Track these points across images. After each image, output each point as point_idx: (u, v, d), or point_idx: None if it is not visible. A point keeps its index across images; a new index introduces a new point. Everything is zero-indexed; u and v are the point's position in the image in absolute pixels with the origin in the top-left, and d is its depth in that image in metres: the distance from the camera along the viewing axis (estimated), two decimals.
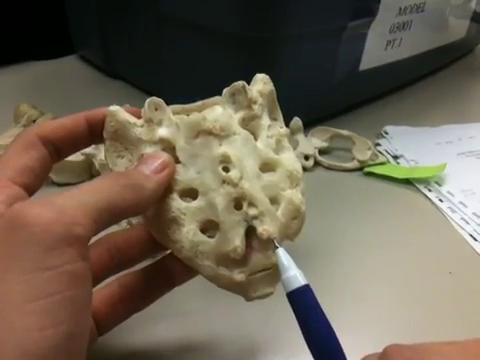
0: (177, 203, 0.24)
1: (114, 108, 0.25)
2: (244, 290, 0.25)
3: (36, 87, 0.62)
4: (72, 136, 0.24)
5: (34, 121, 0.46)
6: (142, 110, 0.26)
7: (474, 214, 0.41)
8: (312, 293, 0.23)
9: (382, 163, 0.48)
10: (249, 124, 0.27)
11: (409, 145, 0.51)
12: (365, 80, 0.55)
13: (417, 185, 0.45)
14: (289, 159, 0.27)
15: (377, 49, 0.54)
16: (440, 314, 0.32)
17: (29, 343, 0.17)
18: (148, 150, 0.25)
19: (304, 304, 0.23)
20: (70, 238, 0.18)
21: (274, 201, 0.26)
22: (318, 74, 0.50)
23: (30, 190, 0.23)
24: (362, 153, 0.48)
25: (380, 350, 0.29)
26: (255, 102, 0.27)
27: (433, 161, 0.47)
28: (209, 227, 0.25)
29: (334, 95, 0.52)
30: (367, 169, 0.47)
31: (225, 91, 0.27)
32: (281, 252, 0.24)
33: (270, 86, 0.28)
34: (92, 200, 0.20)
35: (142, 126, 0.26)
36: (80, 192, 0.20)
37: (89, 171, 0.44)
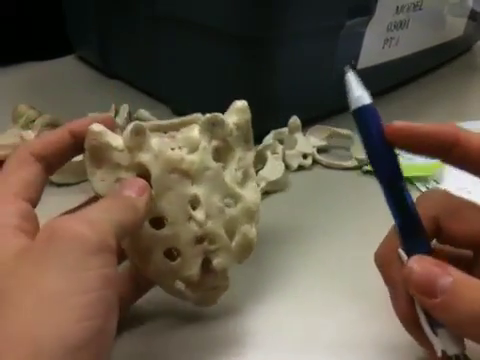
0: (147, 229, 0.27)
1: (97, 128, 0.27)
2: (194, 302, 0.29)
3: (34, 87, 0.62)
4: (60, 151, 0.27)
5: (33, 121, 0.46)
6: (124, 133, 0.27)
7: None
8: (375, 111, 0.26)
9: None
10: (221, 153, 0.29)
11: None
12: (363, 79, 0.55)
13: (415, 183, 0.45)
14: (250, 193, 0.30)
15: (375, 48, 0.54)
16: None
17: (67, 334, 0.18)
18: (124, 175, 0.27)
19: (366, 120, 0.26)
20: (106, 246, 0.21)
21: (231, 233, 0.29)
22: (316, 73, 0.50)
23: (33, 203, 0.25)
24: (361, 152, 0.47)
25: (378, 348, 0.29)
26: (230, 135, 0.29)
27: (432, 159, 0.47)
28: (172, 250, 0.28)
29: (332, 94, 0.52)
30: (366, 167, 0.47)
31: (204, 119, 0.28)
32: (350, 75, 0.26)
33: (247, 116, 0.30)
34: (111, 218, 0.22)
35: (122, 151, 0.27)
36: (99, 211, 0.23)
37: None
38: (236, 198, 0.29)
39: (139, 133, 0.26)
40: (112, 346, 0.21)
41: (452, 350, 0.23)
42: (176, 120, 0.30)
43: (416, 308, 0.24)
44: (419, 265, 0.23)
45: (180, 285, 0.28)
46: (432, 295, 0.22)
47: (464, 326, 0.21)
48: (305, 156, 0.47)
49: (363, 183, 0.46)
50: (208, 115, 0.28)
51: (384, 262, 0.26)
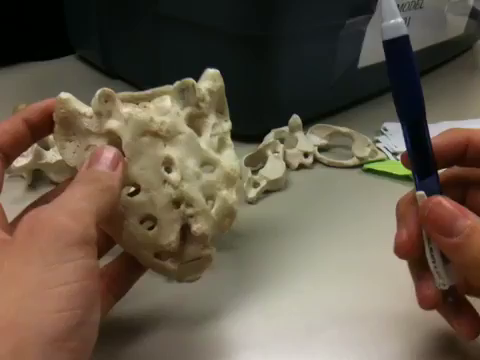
0: (121, 198, 0.26)
1: (65, 96, 0.27)
2: (176, 275, 0.28)
3: (35, 87, 0.62)
4: (15, 140, 0.26)
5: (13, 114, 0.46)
6: (92, 100, 0.27)
7: None
8: (409, 44, 0.25)
9: (381, 160, 0.48)
10: (195, 121, 0.28)
11: None
12: (364, 77, 0.55)
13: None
14: (228, 159, 0.29)
15: (375, 46, 0.54)
16: None
17: (47, 325, 0.18)
18: (95, 141, 0.26)
19: (399, 53, 0.25)
20: (89, 238, 0.21)
21: (210, 198, 0.28)
22: (317, 72, 0.50)
23: None
24: (361, 150, 0.48)
25: (380, 347, 0.29)
26: (203, 100, 0.28)
27: None
28: (148, 219, 0.27)
29: (333, 92, 0.52)
30: (366, 166, 0.47)
31: (175, 85, 0.28)
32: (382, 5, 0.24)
33: (220, 83, 0.30)
34: (91, 207, 0.22)
35: (91, 117, 0.26)
36: (78, 200, 0.22)
37: None
38: (213, 163, 0.28)
39: (108, 99, 0.26)
40: (95, 339, 0.21)
41: (451, 281, 0.25)
42: (148, 91, 0.29)
43: (424, 242, 0.25)
44: (440, 205, 0.23)
45: (160, 258, 0.27)
46: (449, 235, 0.23)
47: (474, 269, 0.22)
48: (306, 155, 0.47)
49: (364, 182, 0.46)
50: (178, 82, 0.28)
51: (402, 203, 0.27)
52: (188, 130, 0.27)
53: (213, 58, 0.49)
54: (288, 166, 0.46)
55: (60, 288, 0.19)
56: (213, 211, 0.28)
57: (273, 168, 0.44)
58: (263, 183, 0.42)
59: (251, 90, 0.47)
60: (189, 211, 0.26)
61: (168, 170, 0.26)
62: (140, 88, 0.60)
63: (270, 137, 0.47)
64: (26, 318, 0.18)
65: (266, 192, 0.43)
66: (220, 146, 0.29)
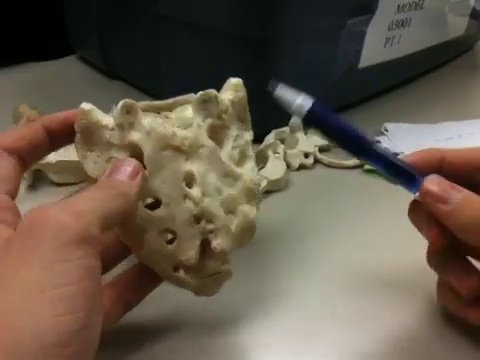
0: (141, 211, 0.26)
1: (87, 107, 0.26)
2: (194, 289, 0.28)
3: (35, 88, 0.62)
4: (33, 145, 0.26)
5: (33, 121, 0.46)
6: (114, 111, 0.26)
7: None
8: (321, 105, 0.27)
9: None
10: (217, 132, 0.28)
11: (409, 142, 0.51)
12: (364, 78, 0.55)
13: None
14: (249, 172, 0.29)
15: (376, 47, 0.54)
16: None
17: (45, 329, 0.18)
18: (116, 154, 0.26)
19: (321, 116, 0.26)
20: (88, 237, 0.20)
21: (230, 212, 0.27)
22: (317, 72, 0.50)
23: (12, 196, 0.24)
24: None
25: (378, 350, 0.29)
26: (225, 112, 0.28)
27: None
28: (168, 232, 0.27)
29: (333, 93, 0.52)
30: (367, 166, 0.47)
31: (197, 96, 0.27)
32: (279, 90, 0.26)
33: (242, 93, 0.29)
34: (97, 208, 0.21)
35: (113, 129, 0.26)
36: (85, 200, 0.22)
37: None
38: (234, 177, 0.28)
39: (130, 111, 0.26)
40: (97, 343, 0.20)
41: None
42: (169, 100, 0.29)
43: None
44: (436, 182, 0.26)
45: (179, 272, 0.27)
46: (445, 202, 0.25)
47: (469, 230, 0.25)
48: (306, 155, 0.47)
49: (364, 182, 0.46)
50: (201, 92, 0.27)
51: (411, 214, 0.29)
52: (210, 143, 0.27)
53: (213, 58, 0.49)
54: (289, 166, 0.46)
55: (57, 290, 0.18)
56: (233, 226, 0.27)
57: (274, 168, 0.44)
58: (264, 183, 0.42)
59: (251, 90, 0.47)
60: (209, 227, 0.26)
61: (189, 185, 0.26)
62: (140, 88, 0.61)
63: (271, 137, 0.47)
64: (23, 321, 0.18)
65: (267, 192, 0.43)
66: (241, 158, 0.29)
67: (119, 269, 0.29)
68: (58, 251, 0.19)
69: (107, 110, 0.50)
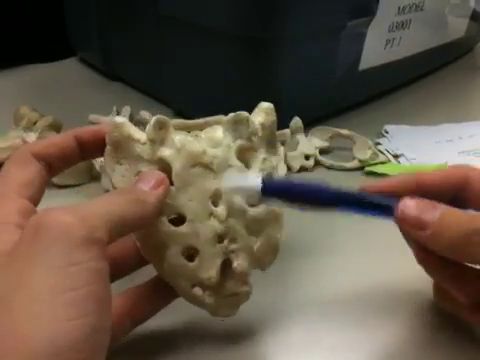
0: (165, 226, 0.26)
1: (121, 120, 0.27)
2: (212, 309, 0.28)
3: (36, 90, 0.62)
4: (62, 153, 0.27)
5: (34, 123, 0.46)
6: (147, 126, 0.27)
7: None
8: (273, 178, 0.27)
9: (383, 162, 0.48)
10: (245, 154, 0.28)
11: (409, 144, 0.51)
12: (365, 79, 0.55)
13: None
14: None
15: (376, 48, 0.54)
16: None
17: (58, 333, 0.18)
18: (145, 168, 0.26)
19: (277, 186, 0.26)
20: (91, 239, 0.20)
21: (254, 234, 0.27)
22: (318, 74, 0.50)
23: (34, 202, 0.25)
24: (362, 152, 0.48)
25: (381, 349, 0.29)
26: (255, 135, 0.28)
27: (434, 160, 0.47)
28: (191, 249, 0.26)
29: (334, 95, 0.52)
30: (368, 168, 0.47)
31: (229, 117, 0.27)
32: (228, 179, 0.26)
33: (272, 117, 0.29)
34: (106, 211, 0.21)
35: (144, 144, 0.26)
36: (94, 204, 0.22)
37: (89, 173, 0.44)
38: None
39: (162, 126, 0.26)
40: (107, 346, 0.20)
41: None
42: (200, 120, 0.29)
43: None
44: (409, 204, 0.25)
45: (197, 290, 0.27)
46: (423, 228, 0.25)
47: (453, 250, 0.24)
48: (307, 157, 0.47)
49: (365, 184, 0.46)
50: (232, 114, 0.27)
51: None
52: (238, 164, 0.27)
53: (214, 59, 0.49)
54: (289, 168, 0.46)
55: (67, 294, 0.18)
56: (256, 248, 0.27)
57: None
58: None
59: (252, 92, 0.47)
60: (232, 247, 0.26)
61: (215, 203, 0.26)
62: (141, 90, 0.61)
63: None
64: (34, 327, 0.18)
65: None
66: None
67: (133, 277, 0.29)
68: (66, 254, 0.19)
69: (108, 111, 0.50)
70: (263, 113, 0.29)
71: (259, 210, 0.27)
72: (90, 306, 0.19)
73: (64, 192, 0.42)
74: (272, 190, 0.26)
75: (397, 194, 0.26)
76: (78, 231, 0.20)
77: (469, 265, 0.27)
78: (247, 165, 0.28)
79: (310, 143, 0.48)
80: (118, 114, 0.50)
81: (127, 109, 0.50)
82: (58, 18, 0.67)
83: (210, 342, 0.30)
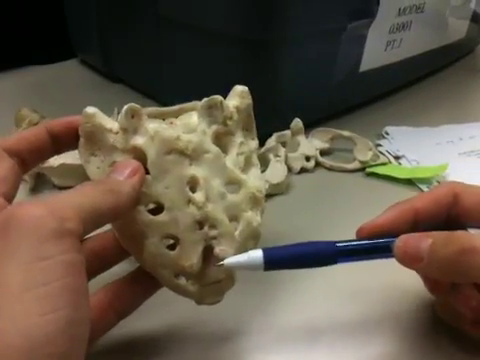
0: (143, 215, 0.26)
1: (91, 110, 0.26)
2: (196, 298, 0.27)
3: (37, 91, 0.62)
4: (35, 147, 0.26)
5: (35, 125, 0.46)
6: (119, 115, 0.26)
7: None
8: (271, 249, 0.26)
9: (383, 163, 0.48)
10: (221, 139, 0.28)
11: (410, 145, 0.51)
12: (365, 81, 0.55)
13: (419, 185, 0.45)
14: (254, 179, 0.28)
15: (377, 50, 0.54)
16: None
17: (32, 328, 0.17)
18: (120, 158, 0.26)
19: (280, 259, 0.26)
20: (63, 231, 0.19)
21: (234, 219, 0.27)
22: (318, 75, 0.50)
23: (8, 198, 0.24)
24: (363, 154, 0.48)
25: (377, 355, 0.29)
26: (230, 118, 0.28)
27: (434, 161, 0.47)
28: (171, 238, 0.26)
29: (334, 96, 0.53)
30: (369, 170, 0.47)
31: (203, 102, 0.27)
32: (228, 263, 0.26)
33: (248, 100, 0.29)
34: (78, 202, 0.21)
35: (117, 133, 0.26)
36: (66, 196, 0.22)
37: None
38: (238, 183, 0.27)
39: (135, 115, 0.26)
40: (87, 339, 0.20)
41: None
42: (175, 107, 0.28)
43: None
44: (404, 243, 0.26)
45: (180, 279, 0.26)
46: (420, 260, 0.25)
47: (447, 273, 0.25)
48: (308, 158, 0.47)
49: (366, 185, 0.46)
50: (206, 98, 0.27)
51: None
52: (214, 149, 0.27)
53: (214, 61, 0.49)
54: (290, 170, 0.46)
55: (41, 289, 0.18)
56: (237, 233, 0.27)
57: (275, 172, 0.44)
58: (265, 187, 0.42)
59: (252, 93, 0.47)
60: (213, 233, 0.26)
61: (193, 190, 0.26)
62: (141, 91, 0.61)
63: (272, 141, 0.47)
64: (10, 323, 0.17)
65: (268, 196, 0.43)
66: (246, 165, 0.29)
67: (117, 270, 0.29)
68: (36, 249, 0.19)
69: (109, 113, 0.50)
70: (237, 96, 0.29)
71: (238, 195, 0.27)
72: (64, 299, 0.18)
73: None
74: (274, 262, 0.26)
75: (397, 228, 0.27)
76: (49, 223, 0.19)
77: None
78: (224, 150, 0.28)
79: (311, 144, 0.48)
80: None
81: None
82: (59, 20, 0.67)
83: (200, 343, 0.30)
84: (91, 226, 0.22)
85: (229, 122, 0.28)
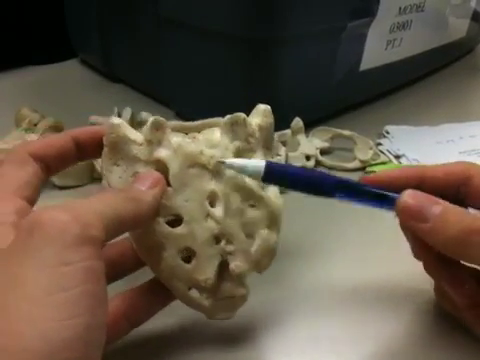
0: (161, 227, 0.26)
1: (117, 121, 0.27)
2: (208, 312, 0.27)
3: (37, 91, 0.62)
4: (60, 154, 0.26)
5: (35, 125, 0.46)
6: (144, 127, 0.27)
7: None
8: (274, 163, 0.26)
9: (384, 163, 0.48)
10: (243, 156, 0.28)
11: (410, 144, 0.51)
12: (366, 80, 0.55)
13: None
14: (272, 197, 0.28)
15: (377, 49, 0.54)
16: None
17: (51, 332, 0.18)
18: (142, 169, 0.26)
19: (280, 173, 0.26)
20: (86, 238, 0.20)
21: (251, 236, 0.27)
22: (318, 74, 0.50)
23: (31, 202, 0.25)
24: (364, 153, 0.48)
25: (382, 347, 0.29)
26: (252, 136, 0.28)
27: (435, 160, 0.47)
28: (187, 251, 0.26)
29: (335, 95, 0.52)
30: (369, 169, 0.47)
31: (226, 119, 0.28)
32: (230, 163, 0.26)
33: (270, 119, 0.29)
34: (100, 209, 0.21)
35: (141, 145, 0.26)
36: (89, 202, 0.22)
37: (91, 174, 0.44)
38: (257, 200, 0.28)
39: (159, 128, 0.26)
40: (103, 345, 0.20)
41: None
42: (198, 122, 0.29)
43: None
44: (412, 196, 0.25)
45: (194, 292, 0.27)
46: (424, 220, 0.25)
47: (452, 246, 0.25)
48: (308, 158, 0.47)
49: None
50: (229, 115, 0.27)
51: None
52: None
53: (214, 60, 0.49)
54: None
55: (60, 295, 0.18)
56: (253, 250, 0.27)
57: None
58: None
59: (253, 93, 0.47)
60: (229, 248, 0.26)
61: (212, 204, 0.26)
62: (142, 91, 0.61)
63: None
64: (30, 327, 0.17)
65: None
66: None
67: (132, 278, 0.29)
68: (59, 254, 0.19)
69: (109, 112, 0.50)
70: (260, 115, 0.29)
71: (257, 212, 0.27)
72: (83, 305, 0.19)
73: (65, 193, 0.42)
74: (274, 172, 0.26)
75: (398, 187, 0.26)
76: (72, 229, 0.19)
77: (465, 264, 0.27)
78: None
79: (311, 144, 0.48)
80: (119, 115, 0.50)
81: (128, 110, 0.50)
82: (59, 20, 0.67)
83: (208, 344, 0.30)
84: (112, 233, 0.22)
85: (251, 139, 0.28)
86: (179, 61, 0.52)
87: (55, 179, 0.43)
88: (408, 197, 0.25)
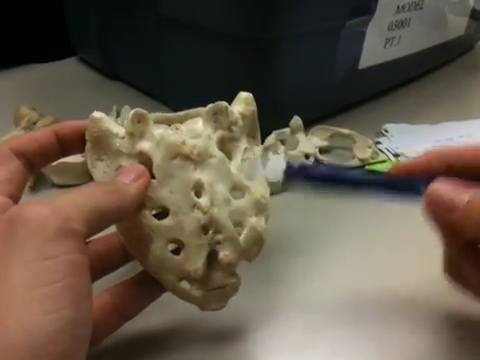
0: (148, 220, 0.26)
1: (98, 115, 0.26)
2: (200, 303, 0.27)
3: (36, 89, 0.62)
4: (42, 149, 0.26)
5: (34, 123, 0.46)
6: (125, 120, 0.26)
7: None
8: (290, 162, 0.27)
9: (383, 161, 0.48)
10: (226, 145, 0.28)
11: (409, 143, 0.51)
12: (364, 78, 0.55)
13: None
14: (258, 185, 0.28)
15: (376, 47, 0.54)
16: (445, 312, 0.32)
17: (34, 326, 0.18)
18: (126, 162, 0.26)
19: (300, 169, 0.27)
20: (67, 231, 0.20)
21: (239, 225, 0.27)
22: (317, 73, 0.50)
23: (14, 199, 0.24)
24: (363, 151, 0.48)
25: (380, 353, 0.29)
26: (235, 124, 0.28)
27: None
28: (175, 243, 0.26)
29: (334, 94, 0.52)
30: (368, 167, 0.47)
31: (208, 108, 0.27)
32: (253, 163, 0.27)
33: (252, 107, 0.29)
34: (81, 202, 0.21)
35: (123, 138, 0.26)
36: (70, 196, 0.22)
37: (89, 173, 0.44)
38: (243, 189, 0.27)
39: (141, 120, 0.26)
40: (88, 339, 0.20)
41: None
42: (181, 113, 0.29)
43: None
44: (440, 186, 0.25)
45: (184, 284, 0.27)
46: (450, 210, 0.24)
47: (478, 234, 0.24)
48: (307, 156, 0.47)
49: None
50: (211, 104, 0.27)
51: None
52: (219, 154, 0.27)
53: (213, 59, 0.49)
54: None
55: (42, 289, 0.18)
56: (241, 238, 0.27)
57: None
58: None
59: (252, 91, 0.47)
60: (217, 237, 0.26)
61: (198, 194, 0.26)
62: (141, 90, 0.61)
63: (271, 138, 0.47)
64: (13, 321, 0.18)
65: None
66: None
67: (122, 272, 0.29)
68: (40, 248, 0.19)
69: (108, 111, 0.50)
70: (243, 103, 0.29)
71: (243, 200, 0.27)
72: (67, 299, 0.19)
73: (64, 192, 0.42)
74: (295, 172, 0.26)
75: (428, 174, 0.26)
76: (52, 223, 0.19)
77: None
78: (229, 156, 0.28)
79: (310, 142, 0.48)
80: (118, 114, 0.50)
81: (127, 109, 0.50)
82: (58, 18, 0.67)
83: (203, 342, 0.30)
84: (95, 227, 0.22)
85: (234, 128, 0.28)
86: (178, 59, 0.52)
87: (53, 177, 0.43)
88: (435, 187, 0.25)
